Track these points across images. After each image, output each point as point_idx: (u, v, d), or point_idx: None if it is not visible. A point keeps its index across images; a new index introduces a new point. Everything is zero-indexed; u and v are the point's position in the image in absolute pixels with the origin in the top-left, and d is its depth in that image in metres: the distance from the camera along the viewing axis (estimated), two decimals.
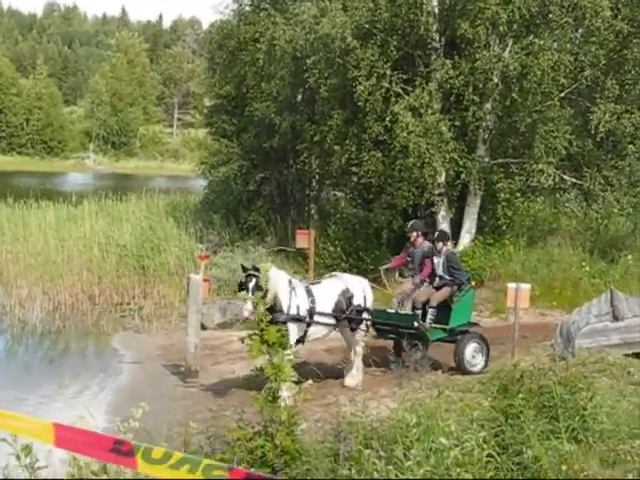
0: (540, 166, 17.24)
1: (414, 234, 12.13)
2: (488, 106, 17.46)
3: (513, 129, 17.85)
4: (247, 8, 23.99)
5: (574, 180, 18.86)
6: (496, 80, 17.24)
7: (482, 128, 17.85)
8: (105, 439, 3.28)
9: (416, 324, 11.23)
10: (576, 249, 18.40)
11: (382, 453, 4.99)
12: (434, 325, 11.50)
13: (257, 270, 10.09)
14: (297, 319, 10.64)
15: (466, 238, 18.31)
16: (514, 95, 16.67)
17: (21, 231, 21.96)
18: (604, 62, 17.23)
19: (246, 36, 22.66)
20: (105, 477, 4.25)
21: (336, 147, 18.52)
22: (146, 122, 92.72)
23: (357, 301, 11.33)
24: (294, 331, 10.52)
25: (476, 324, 12.46)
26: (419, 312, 11.50)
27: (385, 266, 12.74)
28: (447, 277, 11.69)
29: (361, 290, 11.48)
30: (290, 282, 10.76)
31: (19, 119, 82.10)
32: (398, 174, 17.51)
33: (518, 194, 18.14)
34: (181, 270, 19.43)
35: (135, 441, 3.44)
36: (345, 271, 16.73)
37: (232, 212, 23.05)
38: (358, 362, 11.32)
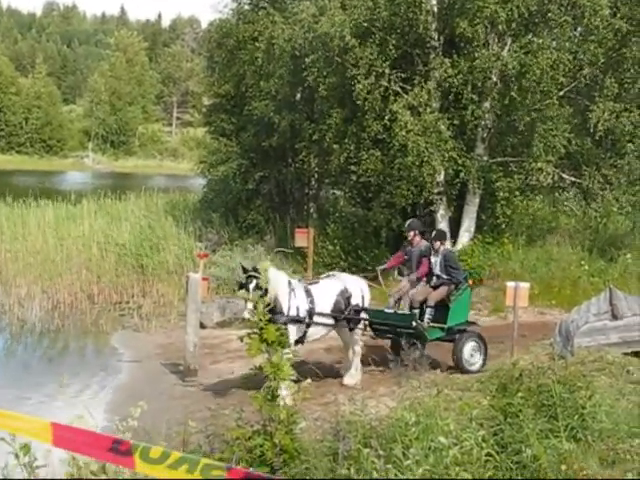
0: (539, 165, 17.24)
1: (412, 233, 12.13)
2: (487, 105, 17.45)
3: (512, 128, 17.85)
4: (246, 7, 23.97)
5: (573, 179, 18.86)
6: (495, 79, 17.24)
7: (481, 127, 17.85)
8: (103, 438, 3.28)
9: (414, 324, 11.23)
10: (575, 248, 18.41)
11: (381, 452, 4.98)
12: (432, 324, 11.50)
13: (257, 271, 10.06)
14: (297, 320, 10.63)
15: (465, 237, 18.31)
16: (513, 94, 16.66)
17: (20, 230, 21.93)
18: (603, 61, 17.23)
19: (245, 35, 22.66)
20: (104, 477, 4.24)
21: (335, 146, 18.51)
22: (145, 121, 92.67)
23: (355, 301, 11.33)
24: (293, 332, 10.52)
25: (474, 323, 12.48)
26: (417, 311, 11.50)
27: (382, 266, 12.74)
28: (444, 276, 11.69)
29: (359, 290, 11.48)
30: (289, 283, 10.75)
31: (18, 118, 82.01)
32: (397, 173, 17.51)
33: (517, 193, 18.14)
34: (180, 269, 19.43)
35: (134, 440, 3.44)
36: (344, 270, 16.75)
37: (231, 211, 23.04)
38: (357, 361, 11.32)
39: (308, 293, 10.88)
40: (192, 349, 12.23)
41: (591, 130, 17.99)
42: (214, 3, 71.73)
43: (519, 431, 5.80)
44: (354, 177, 18.48)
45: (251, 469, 4.87)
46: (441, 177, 17.93)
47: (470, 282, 12.42)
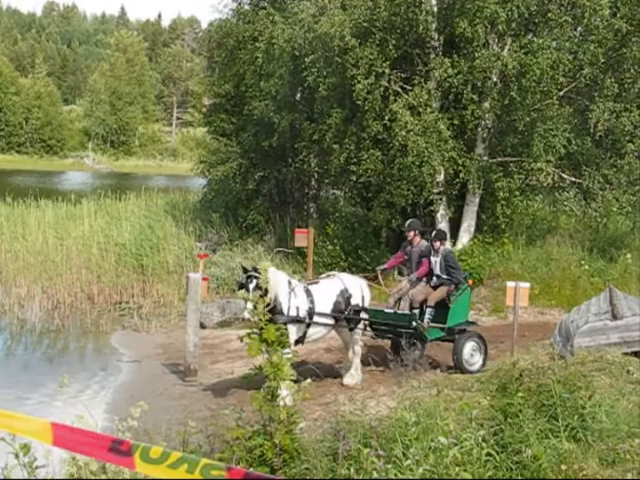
0: (539, 165, 17.23)
1: (411, 233, 12.12)
2: (487, 105, 17.45)
3: (512, 128, 17.84)
4: (246, 7, 23.99)
5: (573, 179, 18.85)
6: (495, 79, 17.24)
7: (481, 127, 17.85)
8: (103, 438, 3.28)
9: (414, 324, 11.23)
10: (575, 248, 18.40)
11: (381, 452, 4.99)
12: (432, 324, 11.50)
13: (257, 271, 10.05)
14: (297, 320, 10.63)
15: (465, 237, 18.31)
16: (513, 94, 16.66)
17: (20, 230, 21.93)
18: (603, 60, 17.21)
19: (245, 35, 22.67)
20: (104, 477, 4.24)
21: (335, 146, 18.51)
22: (145, 121, 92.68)
23: (355, 301, 11.33)
24: (293, 332, 10.51)
25: (473, 323, 12.48)
26: (417, 311, 11.49)
27: (382, 266, 12.73)
28: (444, 276, 11.68)
29: (359, 290, 11.48)
30: (290, 283, 10.74)
31: (18, 118, 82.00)
32: (397, 173, 17.51)
33: (517, 193, 18.13)
34: (180, 269, 19.44)
35: (134, 440, 3.44)
36: (344, 270, 16.75)
37: (231, 211, 23.05)
38: (357, 361, 11.32)
39: (308, 293, 10.88)
40: (192, 349, 12.23)
41: (591, 130, 17.98)
42: (214, 3, 71.64)
43: (519, 431, 5.80)
44: (354, 177, 18.47)
45: (251, 469, 4.87)
46: (441, 177, 17.93)
47: (470, 282, 12.41)
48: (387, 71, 17.31)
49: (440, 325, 11.58)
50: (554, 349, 10.90)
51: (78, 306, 17.70)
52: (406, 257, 12.23)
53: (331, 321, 11.14)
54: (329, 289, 11.20)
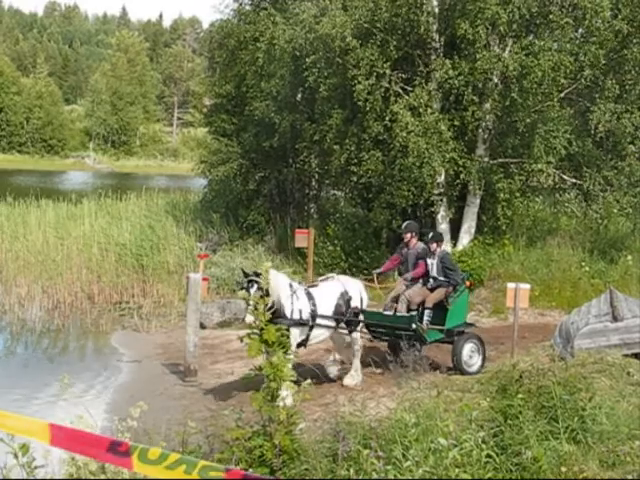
0: (540, 166, 17.21)
1: (408, 235, 12.11)
2: (488, 106, 17.44)
3: (513, 129, 17.83)
4: (247, 7, 24.01)
5: (574, 180, 18.83)
6: (496, 80, 17.23)
7: (482, 128, 17.84)
8: (102, 439, 3.27)
9: (414, 325, 11.22)
10: (576, 249, 18.39)
11: (381, 453, 4.98)
12: (431, 326, 11.49)
13: (258, 275, 10.03)
14: (300, 323, 10.62)
15: (465, 238, 18.30)
16: (514, 95, 16.64)
17: (21, 229, 21.95)
18: (604, 62, 17.19)
19: (246, 35, 22.67)
20: (103, 477, 4.24)
21: (336, 146, 18.51)
22: (146, 121, 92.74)
23: (354, 303, 11.33)
24: (296, 335, 10.50)
25: (472, 324, 12.47)
26: (415, 313, 11.47)
27: (378, 270, 12.72)
28: (441, 278, 11.67)
29: (358, 292, 11.48)
30: (291, 286, 10.73)
31: (19, 118, 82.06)
32: (398, 174, 17.50)
33: (518, 194, 18.11)
34: (180, 269, 19.45)
35: (133, 441, 3.44)
36: (344, 270, 16.77)
37: (231, 211, 23.05)
38: (356, 363, 11.32)
39: (310, 296, 10.87)
40: (192, 349, 12.23)
41: (592, 131, 17.97)
42: (215, 3, 71.72)
43: (519, 433, 5.80)
44: (355, 178, 18.47)
45: (250, 470, 4.87)
46: (442, 178, 17.93)
47: (468, 283, 12.40)
48: (388, 72, 17.31)
49: (439, 327, 11.57)
50: (554, 351, 10.89)
51: (78, 306, 17.70)
52: (402, 259, 12.22)
53: (333, 323, 11.14)
54: (330, 291, 11.20)
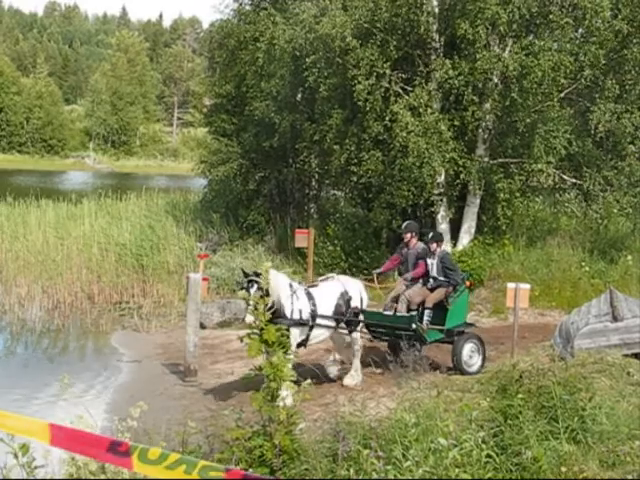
0: (540, 166, 17.21)
1: (408, 235, 12.11)
2: (488, 106, 17.43)
3: (513, 129, 17.82)
4: (247, 7, 24.00)
5: (574, 180, 18.83)
6: (496, 80, 17.23)
7: (482, 128, 17.83)
8: (102, 439, 3.27)
9: (414, 325, 11.21)
10: (576, 249, 18.39)
11: (381, 453, 4.98)
12: (431, 326, 11.48)
13: (258, 275, 10.02)
14: (301, 323, 10.62)
15: (465, 238, 18.30)
16: (514, 95, 16.64)
17: (21, 229, 21.95)
18: (604, 62, 17.18)
19: (246, 35, 22.67)
20: (103, 477, 4.24)
21: (336, 146, 18.51)
22: (146, 121, 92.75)
23: (354, 303, 11.33)
24: (296, 335, 10.50)
25: (472, 324, 12.47)
26: (415, 313, 11.47)
27: (378, 270, 12.72)
28: (441, 278, 11.66)
29: (358, 292, 11.48)
30: (291, 286, 10.73)
31: (19, 118, 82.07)
32: (398, 174, 17.50)
33: (518, 194, 18.11)
34: (180, 269, 19.45)
35: (133, 441, 3.44)
36: (344, 270, 16.77)
37: (231, 211, 23.05)
38: (356, 363, 11.31)
39: (310, 296, 10.87)
40: (192, 349, 12.23)
41: (592, 131, 17.97)
42: (215, 3, 71.72)
43: (519, 433, 5.80)
44: (355, 178, 18.47)
45: (250, 470, 4.87)
46: (442, 178, 17.93)
47: (468, 283, 12.40)
48: (388, 72, 17.31)
49: (439, 327, 11.57)
50: (554, 351, 10.89)
51: (78, 306, 17.70)
52: (402, 259, 12.22)
53: (333, 323, 11.14)
54: (330, 291, 11.20)
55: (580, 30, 18.08)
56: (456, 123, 17.43)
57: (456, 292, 11.68)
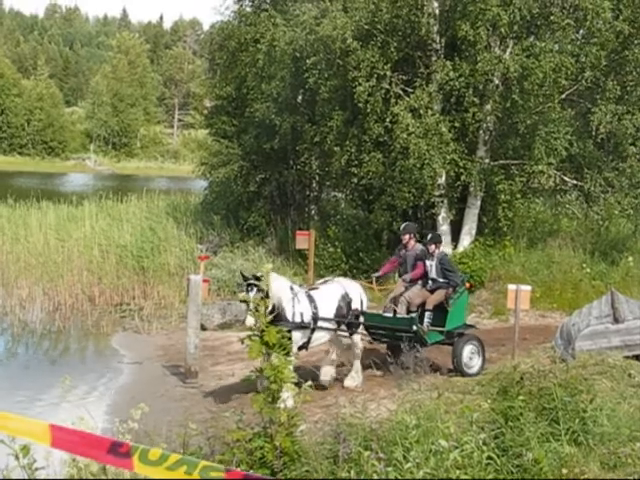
0: (540, 167, 17.20)
1: (407, 236, 12.11)
2: (488, 107, 17.43)
3: (514, 130, 17.82)
4: (248, 9, 24.01)
5: (575, 182, 18.82)
6: (497, 82, 17.23)
7: (482, 129, 17.83)
8: (103, 440, 3.27)
9: (414, 327, 11.21)
10: (577, 251, 18.38)
11: (381, 455, 4.98)
12: (431, 328, 11.48)
13: (258, 279, 10.00)
14: (302, 326, 10.61)
15: (466, 239, 18.29)
16: (515, 97, 16.64)
17: (21, 231, 21.96)
18: (605, 63, 17.20)
19: (246, 37, 22.67)
20: (104, 478, 4.24)
21: (336, 148, 18.51)
22: (147, 123, 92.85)
23: (355, 305, 11.32)
24: (298, 338, 10.49)
25: (472, 326, 12.46)
26: (415, 315, 11.46)
27: (377, 273, 12.71)
28: (440, 280, 11.66)
29: (358, 294, 11.48)
30: (292, 289, 10.72)
31: (20, 120, 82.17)
32: (398, 175, 17.51)
33: (518, 195, 18.10)
34: (181, 271, 19.44)
35: (133, 442, 3.43)
36: (345, 272, 16.77)
37: (232, 213, 23.04)
38: (357, 364, 11.31)
39: (311, 299, 10.86)
40: (193, 351, 12.23)
41: (593, 133, 17.97)
42: (216, 5, 71.77)
43: (520, 434, 5.79)
44: (355, 179, 18.48)
45: (251, 471, 4.86)
46: (442, 180, 17.92)
47: (467, 285, 12.39)
48: (388, 73, 17.31)
49: (439, 328, 11.56)
50: (555, 352, 10.89)
51: (79, 307, 17.71)
52: (401, 261, 12.21)
53: (334, 326, 11.14)
54: (331, 294, 11.19)
55: (581, 31, 18.09)
56: (457, 124, 17.43)
57: (456, 294, 11.67)
